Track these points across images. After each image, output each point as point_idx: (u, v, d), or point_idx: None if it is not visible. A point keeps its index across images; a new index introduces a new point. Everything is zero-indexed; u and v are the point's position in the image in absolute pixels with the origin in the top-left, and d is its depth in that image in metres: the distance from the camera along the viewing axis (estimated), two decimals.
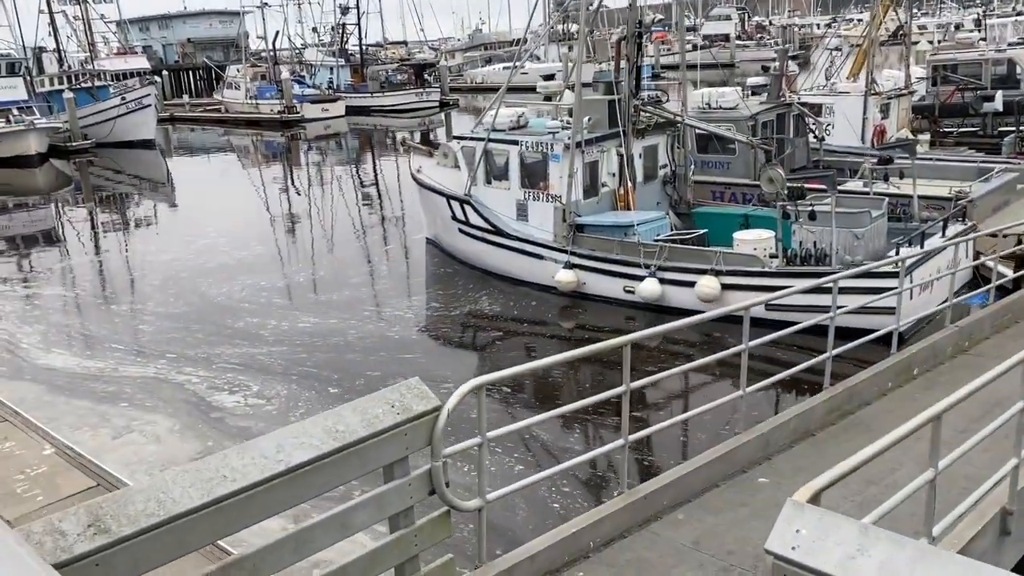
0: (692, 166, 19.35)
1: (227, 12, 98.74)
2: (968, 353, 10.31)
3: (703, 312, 14.92)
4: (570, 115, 18.34)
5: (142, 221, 28.43)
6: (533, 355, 14.06)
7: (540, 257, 17.14)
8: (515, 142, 17.39)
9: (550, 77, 74.97)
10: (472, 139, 18.24)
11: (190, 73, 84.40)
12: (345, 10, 62.04)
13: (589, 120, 17.10)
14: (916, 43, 28.77)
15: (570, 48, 73.45)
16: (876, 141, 24.70)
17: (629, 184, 17.78)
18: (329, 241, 22.88)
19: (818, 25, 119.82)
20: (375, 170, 37.84)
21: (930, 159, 20.49)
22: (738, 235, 15.16)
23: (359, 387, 12.75)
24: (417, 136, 52.65)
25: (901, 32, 25.42)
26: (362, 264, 19.94)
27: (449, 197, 18.79)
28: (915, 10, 31.69)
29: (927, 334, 13.76)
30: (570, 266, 16.41)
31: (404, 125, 55.22)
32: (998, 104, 25.64)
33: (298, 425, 4.08)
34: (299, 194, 32.04)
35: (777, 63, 22.21)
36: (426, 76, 61.98)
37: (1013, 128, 25.27)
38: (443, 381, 12.74)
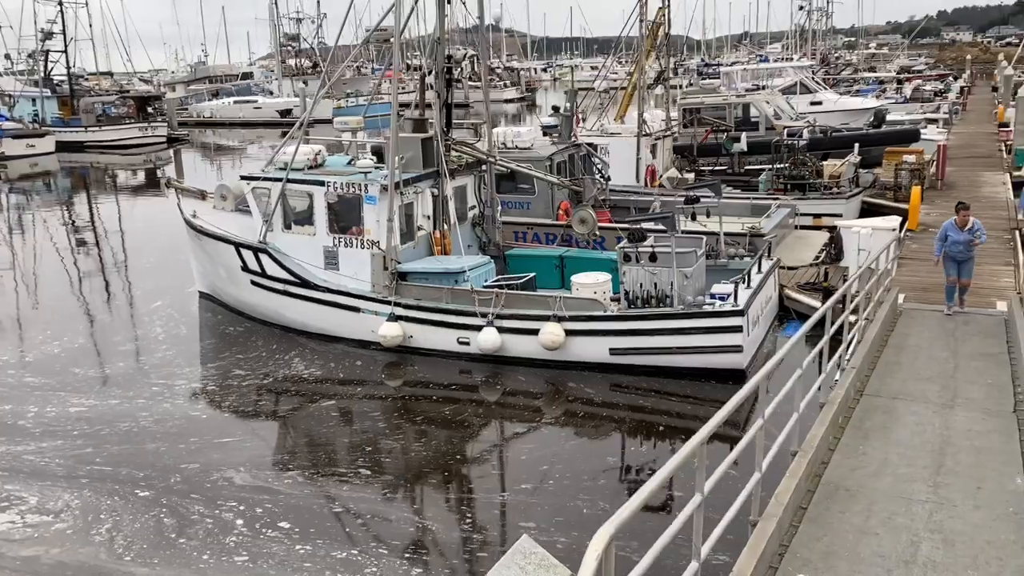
0: (499, 207, 18.66)
1: None
2: None
3: (545, 361, 14.41)
4: (378, 156, 16.92)
5: None
6: (378, 423, 12.38)
7: (357, 310, 15.43)
8: (321, 183, 15.58)
9: (287, 112, 72.53)
10: (267, 179, 16.12)
11: None
12: (48, 35, 54.97)
13: (401, 159, 15.77)
14: (675, 87, 30.78)
15: (306, 83, 71.23)
16: (648, 181, 25.80)
17: (445, 227, 16.70)
18: (79, 300, 19.23)
19: (535, 70, 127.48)
20: (110, 215, 33.23)
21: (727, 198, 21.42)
22: (576, 278, 14.59)
23: (178, 486, 10.33)
24: (142, 175, 47.66)
25: (663, 77, 26.85)
26: (129, 327, 16.84)
27: (239, 245, 16.45)
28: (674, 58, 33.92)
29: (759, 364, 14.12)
30: (394, 318, 14.89)
31: (127, 163, 49.79)
32: (743, 145, 27.87)
33: None
34: (20, 245, 27.05)
35: (568, 104, 22.33)
36: (150, 109, 56.52)
37: (758, 167, 27.63)
38: (287, 468, 10.74)
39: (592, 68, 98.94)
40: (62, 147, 49.90)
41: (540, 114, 67.82)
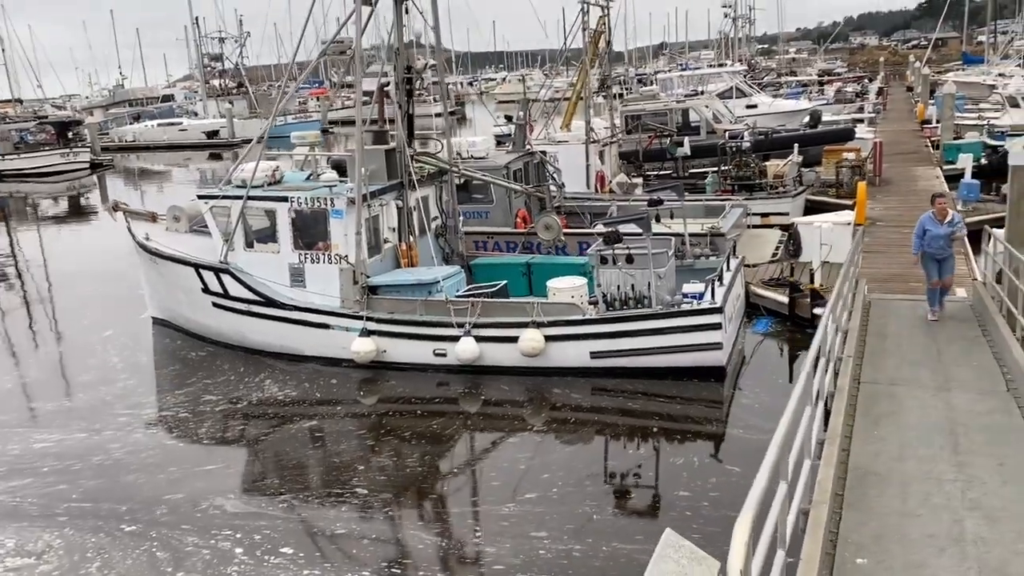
0: (461, 217, 18.50)
1: None
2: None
3: (525, 369, 14.29)
4: (342, 170, 16.56)
5: None
6: (366, 440, 12.06)
7: (327, 327, 15.04)
8: (284, 198, 15.17)
9: (214, 133, 71.01)
10: (225, 198, 15.62)
11: None
12: None
13: (366, 172, 15.47)
14: (619, 96, 31.15)
15: (231, 103, 69.78)
16: (599, 186, 25.98)
17: (411, 239, 16.46)
18: (24, 333, 18.29)
19: (461, 84, 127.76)
20: (39, 244, 31.85)
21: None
22: (553, 283, 14.52)
23: (165, 517, 9.84)
24: (65, 203, 45.86)
25: (607, 84, 27.13)
26: (83, 358, 16.06)
27: (198, 266, 15.88)
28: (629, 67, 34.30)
29: (736, 362, 14.30)
30: (367, 333, 14.57)
31: (49, 191, 47.90)
32: (687, 149, 28.34)
33: None
34: None
35: (521, 113, 22.32)
36: (70, 135, 54.48)
37: (702, 170, 28.14)
38: (279, 493, 10.35)
39: (519, 80, 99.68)
40: None
41: (470, 126, 67.85)
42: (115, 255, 24.81)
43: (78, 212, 43.22)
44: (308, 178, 16.67)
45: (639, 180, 26.72)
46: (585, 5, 25.01)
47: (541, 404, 13.48)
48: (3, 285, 23.73)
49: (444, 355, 14.38)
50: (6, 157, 49.84)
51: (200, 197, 16.20)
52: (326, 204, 14.98)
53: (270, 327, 15.40)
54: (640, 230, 13.97)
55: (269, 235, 15.51)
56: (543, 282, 15.78)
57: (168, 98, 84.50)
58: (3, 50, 55.04)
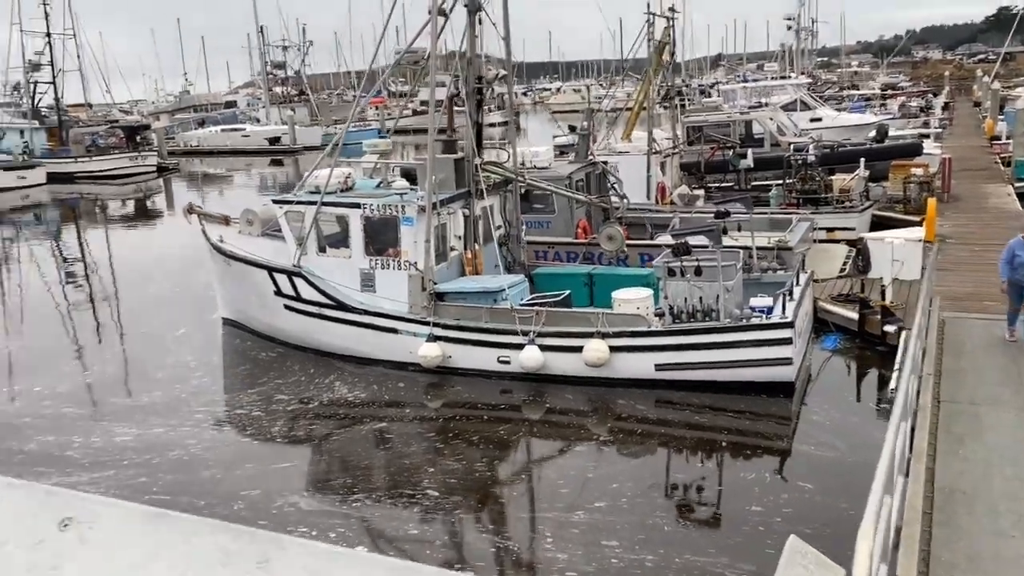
0: (524, 227, 18.64)
1: None
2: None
3: (588, 379, 14.35)
4: (411, 178, 16.84)
5: None
6: (434, 443, 12.23)
7: (395, 331, 15.29)
8: (357, 205, 15.49)
9: (275, 140, 72.32)
10: (300, 203, 16.00)
11: None
12: (36, 67, 54.62)
13: (436, 180, 15.71)
14: (680, 106, 31.09)
15: (293, 110, 71.21)
16: (660, 198, 25.92)
17: (476, 247, 16.66)
18: (102, 330, 18.93)
19: (516, 94, 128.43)
20: (113, 244, 32.90)
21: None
22: (618, 294, 14.55)
23: (242, 513, 10.11)
24: (131, 205, 47.24)
25: (670, 95, 27.09)
26: (158, 355, 16.54)
27: (272, 269, 16.28)
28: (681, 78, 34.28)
29: (803, 378, 14.15)
30: (433, 339, 14.77)
31: (117, 193, 49.35)
32: (750, 161, 28.12)
33: None
34: (31, 277, 26.64)
35: (584, 123, 22.43)
36: (139, 139, 56.15)
37: (765, 183, 27.89)
38: (352, 492, 10.56)
39: (574, 91, 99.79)
40: (52, 178, 49.45)
41: (525, 136, 68.14)
42: (183, 256, 25.57)
43: (145, 214, 44.50)
44: (378, 185, 17.00)
45: (701, 192, 26.61)
46: (651, 16, 25.05)
47: (605, 414, 13.52)
48: (79, 283, 24.58)
49: (508, 362, 14.50)
50: (79, 160, 51.50)
51: (275, 202, 16.62)
52: (397, 211, 15.25)
53: (340, 330, 15.70)
54: (708, 242, 13.96)
55: (341, 240, 15.83)
56: (605, 293, 15.83)
57: (231, 104, 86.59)
58: (78, 56, 56.90)
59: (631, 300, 14.29)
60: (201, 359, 16.37)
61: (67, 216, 42.58)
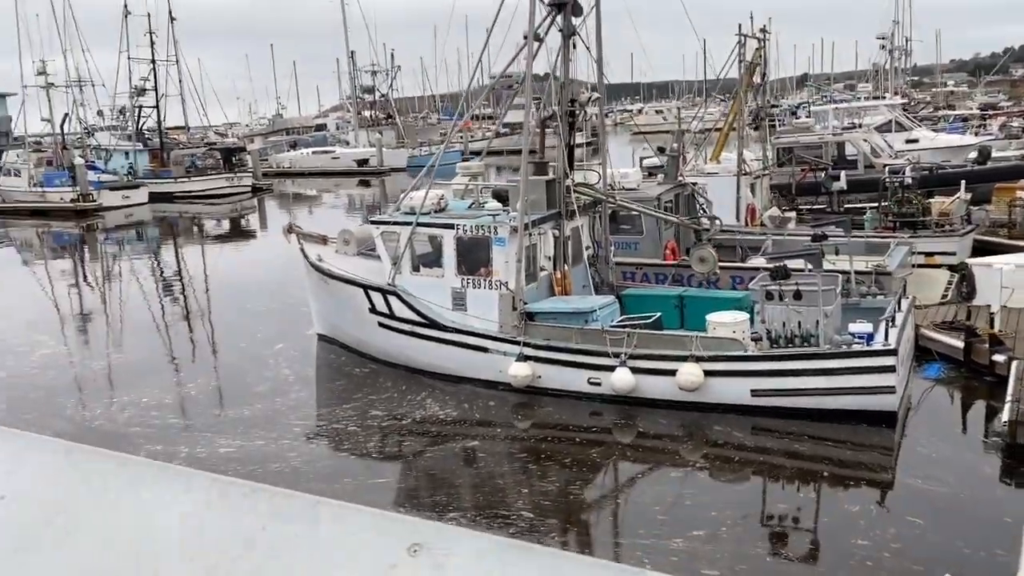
0: (613, 247, 18.62)
1: None
2: None
3: (680, 403, 14.18)
4: (502, 199, 17.04)
5: None
6: (527, 464, 12.26)
7: (485, 350, 15.42)
8: (451, 225, 15.75)
9: (364, 162, 73.99)
10: (396, 223, 16.36)
11: None
12: (141, 91, 57.44)
13: (528, 201, 15.85)
14: (773, 126, 30.67)
15: (381, 133, 72.88)
16: (749, 220, 25.51)
17: (565, 267, 16.71)
18: (203, 343, 19.68)
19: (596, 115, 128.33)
20: (211, 261, 34.19)
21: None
22: (713, 317, 14.35)
23: None
24: (226, 223, 49.04)
25: (761, 116, 26.72)
26: (257, 369, 17.08)
27: (367, 287, 16.66)
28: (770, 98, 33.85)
29: (905, 407, 13.65)
30: (523, 358, 14.83)
31: (213, 212, 51.30)
32: (843, 183, 27.45)
33: None
34: (133, 291, 27.91)
35: (675, 144, 22.33)
36: (234, 160, 58.35)
37: (858, 205, 27.16)
38: (448, 510, 10.65)
39: (656, 112, 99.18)
40: (153, 198, 51.75)
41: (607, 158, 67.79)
42: (279, 273, 26.38)
43: (240, 232, 46.15)
44: (470, 206, 17.25)
45: (792, 214, 26.10)
46: (742, 37, 24.81)
47: (700, 440, 13.32)
48: (179, 298, 25.62)
49: (599, 384, 14.44)
50: (178, 180, 53.78)
51: (372, 222, 17.04)
52: (489, 232, 15.43)
53: (432, 348, 15.92)
54: (807, 265, 13.67)
55: (434, 260, 16.10)
56: (696, 315, 15.65)
57: (321, 127, 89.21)
58: (180, 82, 59.62)
59: (727, 323, 14.08)
60: (298, 373, 16.83)
61: (168, 234, 44.46)
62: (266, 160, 70.85)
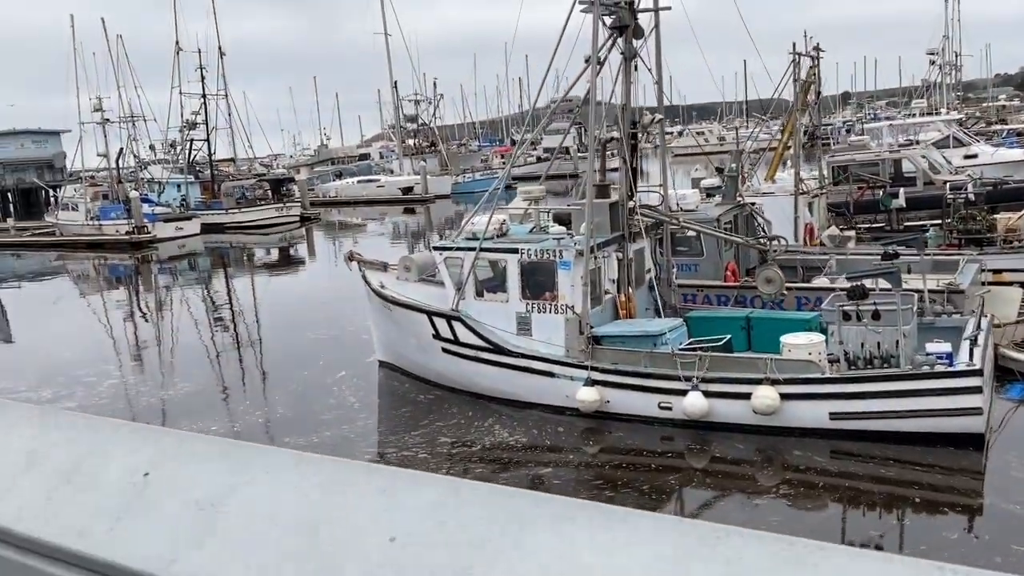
0: (675, 269, 18.42)
1: (40, 132, 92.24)
2: None
3: (755, 427, 13.86)
4: (564, 223, 17.00)
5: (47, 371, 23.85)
6: (603, 491, 12.05)
7: (551, 375, 15.29)
8: (515, 250, 15.71)
9: (408, 190, 74.70)
10: (460, 249, 16.37)
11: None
12: (192, 125, 58.77)
13: (592, 224, 15.76)
14: (827, 144, 30.30)
15: (424, 161, 73.57)
16: (808, 239, 25.10)
17: (629, 290, 16.55)
18: (267, 370, 19.81)
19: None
20: (266, 289, 34.59)
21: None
22: (787, 339, 14.06)
23: None
24: (276, 252, 49.67)
25: (817, 135, 26.40)
26: (322, 396, 17.13)
27: (431, 313, 16.66)
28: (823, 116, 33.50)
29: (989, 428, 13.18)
30: (591, 383, 14.66)
31: (263, 242, 52.04)
32: (902, 201, 26.93)
33: None
34: (189, 321, 28.33)
35: (733, 164, 22.12)
36: (283, 191, 59.30)
37: (918, 223, 26.58)
38: None
39: (698, 133, 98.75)
40: (205, 228, 52.69)
41: (644, 180, 67.72)
42: (336, 300, 26.60)
43: (290, 261, 46.72)
44: (531, 231, 17.22)
45: (851, 233, 25.62)
46: (796, 56, 24.59)
47: (778, 465, 13.01)
48: (240, 326, 25.89)
49: (669, 408, 14.21)
50: (229, 211, 54.73)
51: (435, 248, 17.07)
52: (554, 256, 15.35)
53: (497, 373, 15.83)
54: (885, 284, 13.36)
55: (498, 284, 16.05)
56: (765, 337, 15.39)
57: (364, 156, 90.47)
58: (229, 115, 60.91)
59: (802, 345, 13.78)
60: (363, 400, 16.84)
61: (222, 264, 45.19)
62: (312, 190, 71.93)
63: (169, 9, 59.63)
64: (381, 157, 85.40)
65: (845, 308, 13.31)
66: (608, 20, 15.58)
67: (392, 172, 74.33)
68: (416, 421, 15.30)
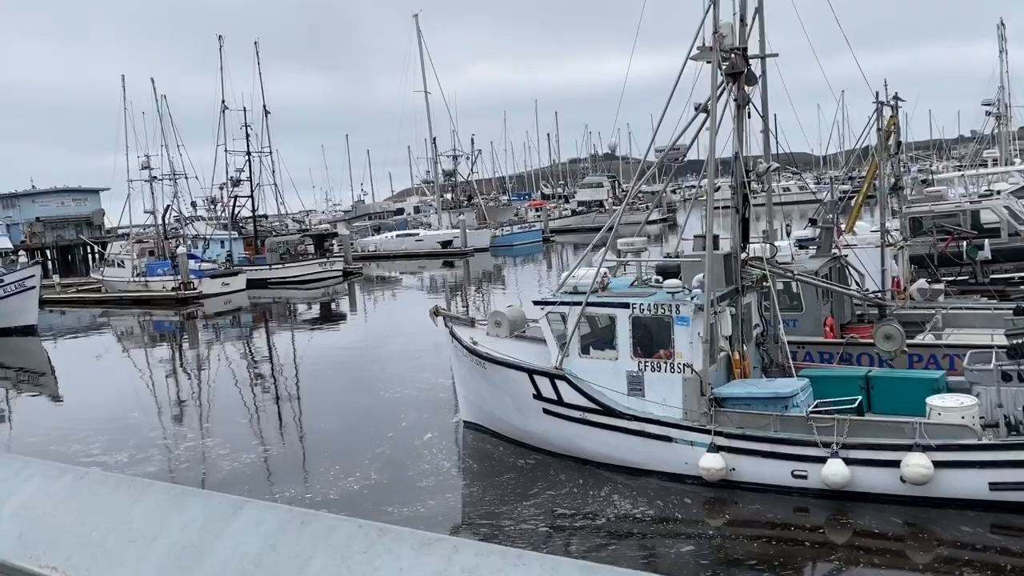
0: (781, 325, 17.43)
1: (81, 190, 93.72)
2: None
3: (901, 497, 12.75)
4: (667, 275, 16.13)
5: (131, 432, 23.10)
6: (760, 571, 10.95)
7: (669, 439, 14.26)
8: (625, 304, 14.83)
9: (447, 244, 74.57)
10: (563, 304, 15.52)
11: (39, 253, 78.00)
12: (236, 182, 59.00)
13: (702, 278, 14.89)
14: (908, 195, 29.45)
15: (462, 214, 73.39)
16: (895, 293, 24.06)
17: (743, 347, 15.58)
18: (350, 434, 18.85)
19: (667, 191, 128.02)
20: (323, 346, 33.86)
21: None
22: (934, 401, 13.00)
23: None
24: (317, 307, 49.10)
25: (898, 186, 25.56)
26: (415, 461, 16.14)
27: (532, 372, 15.74)
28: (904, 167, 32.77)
29: None
30: (715, 448, 13.61)
31: (306, 296, 51.59)
32: (987, 252, 25.93)
33: None
34: (261, 377, 27.54)
35: (828, 215, 21.26)
36: (326, 246, 59.15)
37: (1006, 275, 25.56)
38: None
39: (730, 187, 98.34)
40: (249, 284, 52.38)
41: (681, 233, 67.09)
42: (403, 357, 25.79)
43: (332, 317, 46.04)
44: (633, 284, 16.38)
45: (941, 285, 24.56)
46: (879, 104, 23.88)
47: (929, 540, 11.90)
48: (313, 385, 24.91)
49: (804, 477, 13.11)
50: (273, 267, 54.46)
51: (536, 303, 16.23)
52: (671, 310, 14.46)
53: (607, 437, 14.83)
54: None
55: (606, 341, 15.15)
56: (886, 397, 14.40)
57: (399, 211, 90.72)
58: (273, 172, 61.21)
59: (954, 408, 12.69)
60: (458, 465, 15.88)
61: (268, 319, 44.62)
62: (352, 244, 71.83)
63: (208, 72, 60.43)
64: (417, 211, 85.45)
65: (1004, 368, 12.27)
66: (723, 66, 14.93)
67: (430, 226, 74.18)
68: (524, 490, 14.26)
